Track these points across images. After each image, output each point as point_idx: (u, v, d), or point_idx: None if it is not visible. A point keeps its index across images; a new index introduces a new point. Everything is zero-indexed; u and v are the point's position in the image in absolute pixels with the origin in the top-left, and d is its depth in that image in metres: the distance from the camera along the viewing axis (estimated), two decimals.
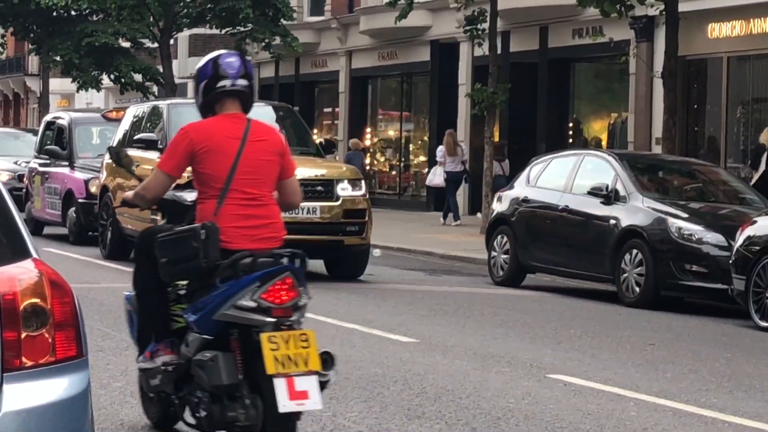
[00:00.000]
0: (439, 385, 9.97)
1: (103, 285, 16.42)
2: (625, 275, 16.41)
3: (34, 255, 4.11)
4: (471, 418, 8.61)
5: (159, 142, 16.13)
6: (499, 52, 30.53)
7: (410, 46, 38.14)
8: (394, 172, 42.14)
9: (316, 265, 16.12)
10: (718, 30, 27.11)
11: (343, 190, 15.02)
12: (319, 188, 14.90)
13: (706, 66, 28.05)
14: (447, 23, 33.73)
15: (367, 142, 42.76)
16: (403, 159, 41.77)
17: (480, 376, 10.74)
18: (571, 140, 32.33)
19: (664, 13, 24.06)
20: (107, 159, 18.77)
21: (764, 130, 26.47)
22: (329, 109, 44.75)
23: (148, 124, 16.96)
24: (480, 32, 29.82)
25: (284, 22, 37.23)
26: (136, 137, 17.01)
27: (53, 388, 3.88)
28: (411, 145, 41.64)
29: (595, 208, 16.72)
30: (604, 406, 9.41)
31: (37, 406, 3.84)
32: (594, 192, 16.67)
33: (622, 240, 16.66)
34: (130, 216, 16.92)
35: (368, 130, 42.93)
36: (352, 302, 15.49)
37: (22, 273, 3.97)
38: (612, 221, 16.68)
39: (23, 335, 3.94)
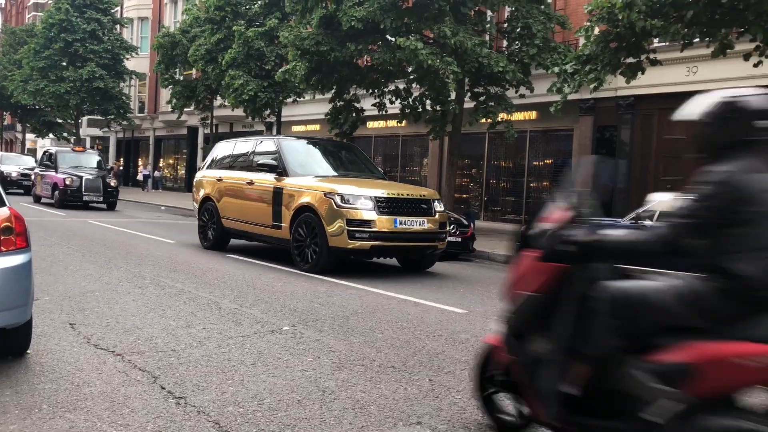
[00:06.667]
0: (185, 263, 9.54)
1: (45, 219, 15.00)
2: None
3: (8, 205, 4.24)
4: (196, 273, 8.50)
5: (278, 167, 10.32)
6: (214, 132, 31.28)
7: (180, 127, 37.82)
8: (179, 174, 41.04)
9: None
10: (301, 128, 29.13)
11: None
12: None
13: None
14: (194, 119, 33.83)
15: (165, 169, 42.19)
16: (178, 171, 41.21)
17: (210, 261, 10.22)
18: None
19: (276, 121, 25.86)
20: (199, 177, 12.61)
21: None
22: (144, 154, 43.64)
23: (266, 153, 10.96)
24: (207, 123, 30.60)
25: (129, 114, 36.38)
26: (259, 162, 10.61)
27: (16, 259, 4.14)
28: (178, 167, 41.04)
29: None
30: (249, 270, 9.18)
31: (8, 267, 4.12)
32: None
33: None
34: (233, 219, 11.28)
35: (161, 163, 42.09)
36: None
37: (2, 212, 4.18)
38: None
39: (2, 238, 4.12)
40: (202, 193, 12.29)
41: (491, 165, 22.22)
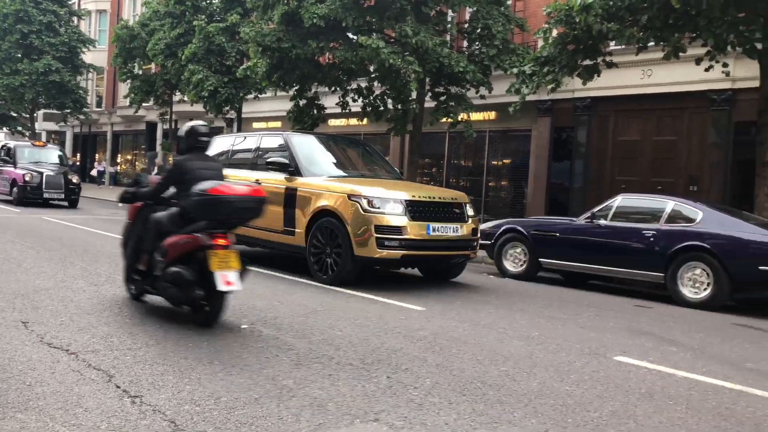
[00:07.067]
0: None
1: (7, 215, 14.75)
2: None
3: None
4: None
5: (289, 165, 9.22)
6: (173, 128, 30.66)
7: (139, 123, 37.09)
8: (137, 170, 39.44)
9: None
10: (261, 125, 29.13)
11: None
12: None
13: None
14: (153, 114, 33.24)
15: (121, 165, 42.10)
16: (136, 167, 40.15)
17: None
18: None
19: (237, 117, 26.45)
20: None
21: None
22: (101, 149, 42.97)
23: (273, 150, 9.79)
24: (166, 118, 30.26)
25: (86, 109, 35.63)
26: (269, 160, 9.37)
27: None
28: (137, 163, 40.24)
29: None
30: None
31: None
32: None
33: None
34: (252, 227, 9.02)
35: (119, 159, 41.72)
36: None
37: None
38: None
39: None
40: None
41: (451, 164, 22.37)
